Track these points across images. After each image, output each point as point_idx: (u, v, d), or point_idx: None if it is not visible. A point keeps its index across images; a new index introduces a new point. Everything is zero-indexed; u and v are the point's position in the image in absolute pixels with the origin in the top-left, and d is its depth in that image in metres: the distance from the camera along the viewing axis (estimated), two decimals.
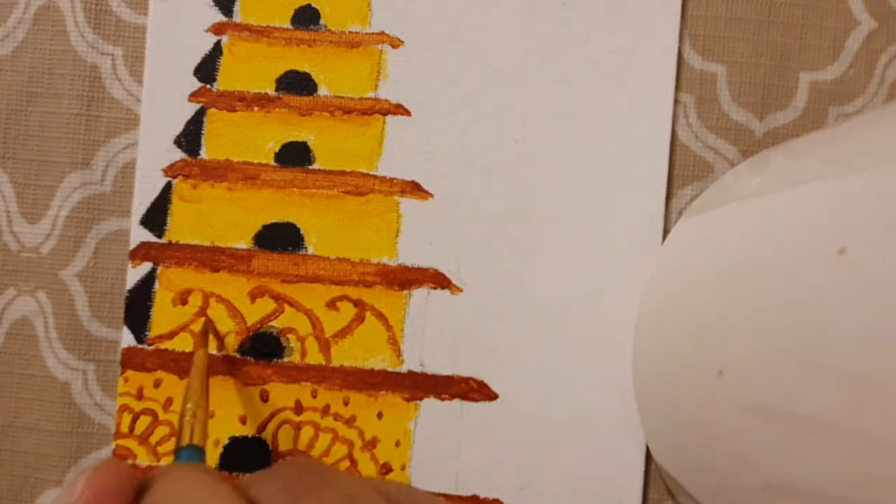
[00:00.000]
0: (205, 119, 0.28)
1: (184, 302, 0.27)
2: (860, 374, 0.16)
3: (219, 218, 0.27)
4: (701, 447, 0.22)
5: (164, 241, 0.27)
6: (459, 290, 0.27)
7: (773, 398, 0.18)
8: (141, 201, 0.28)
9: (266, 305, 0.27)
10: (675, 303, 0.24)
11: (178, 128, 0.28)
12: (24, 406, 0.28)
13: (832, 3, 0.28)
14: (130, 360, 0.27)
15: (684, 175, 0.28)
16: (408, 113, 0.28)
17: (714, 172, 0.28)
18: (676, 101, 0.28)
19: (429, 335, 0.27)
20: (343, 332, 0.27)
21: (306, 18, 0.28)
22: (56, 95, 0.28)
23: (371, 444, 0.27)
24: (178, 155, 0.28)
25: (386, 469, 0.27)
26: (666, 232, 0.27)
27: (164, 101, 0.28)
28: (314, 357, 0.27)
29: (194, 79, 0.28)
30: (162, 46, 0.28)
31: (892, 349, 0.16)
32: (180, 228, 0.27)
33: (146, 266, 0.27)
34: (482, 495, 0.27)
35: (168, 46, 0.28)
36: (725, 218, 0.23)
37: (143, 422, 0.27)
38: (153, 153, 0.28)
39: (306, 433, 0.27)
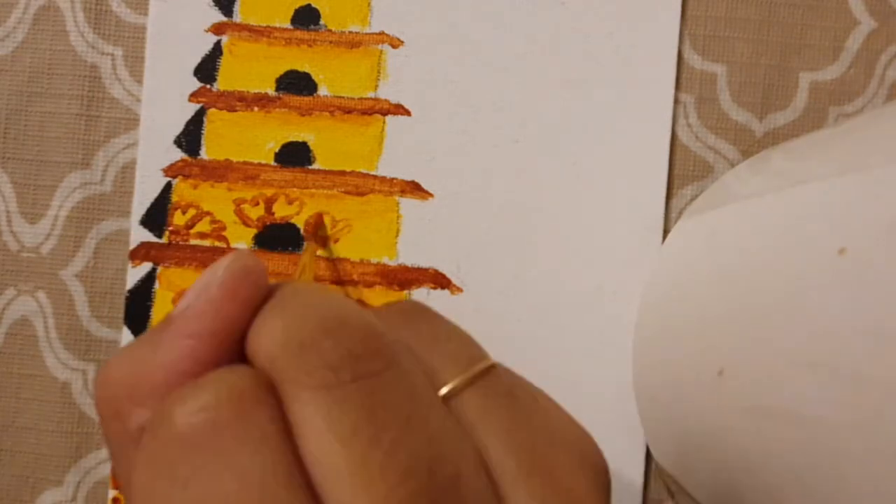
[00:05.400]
0: (205, 119, 0.28)
1: None
2: (860, 375, 0.16)
3: (219, 218, 0.27)
4: (701, 447, 0.22)
5: (164, 241, 0.27)
6: (459, 290, 0.27)
7: (773, 398, 0.19)
8: (141, 201, 0.28)
9: None
10: (676, 303, 0.24)
11: (178, 128, 0.28)
12: (24, 406, 0.28)
13: (832, 3, 0.28)
14: None
15: (684, 175, 0.28)
16: (408, 113, 0.28)
17: (714, 172, 0.28)
18: (676, 101, 0.28)
19: None
20: None
21: (306, 18, 0.28)
22: (56, 95, 0.28)
23: None
24: (178, 155, 0.28)
25: None
26: (666, 232, 0.27)
27: (164, 101, 0.28)
28: None
29: (194, 79, 0.28)
30: (162, 46, 0.28)
31: (893, 349, 0.16)
32: (181, 228, 0.27)
33: (146, 266, 0.27)
34: None
35: (168, 46, 0.28)
36: (725, 218, 0.23)
37: None
38: (153, 153, 0.28)
39: None
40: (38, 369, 0.28)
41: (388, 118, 0.28)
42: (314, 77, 0.28)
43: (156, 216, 0.27)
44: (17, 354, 0.28)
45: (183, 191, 0.28)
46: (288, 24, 0.28)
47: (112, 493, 0.27)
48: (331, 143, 0.28)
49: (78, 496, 0.27)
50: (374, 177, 0.28)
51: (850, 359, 0.17)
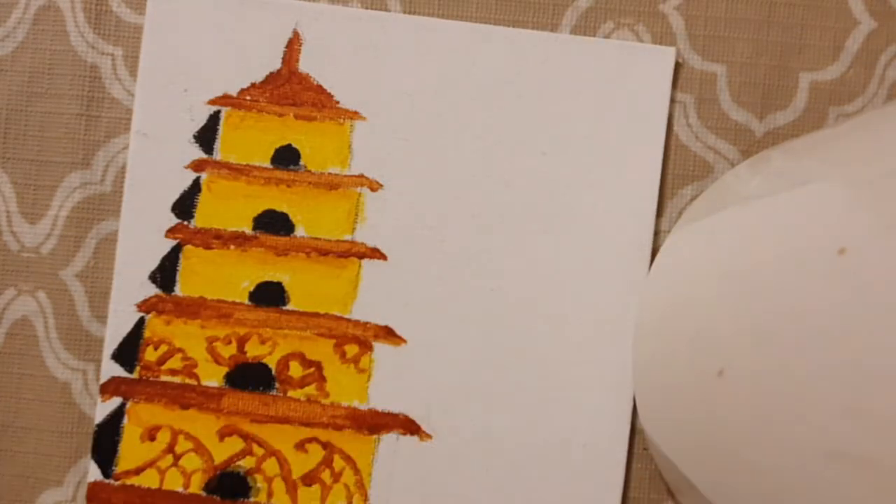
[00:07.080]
0: (181, 255, 0.27)
1: (152, 438, 0.27)
2: (860, 374, 0.16)
3: (191, 355, 0.27)
4: (701, 447, 0.22)
5: (134, 376, 0.27)
6: (429, 436, 0.27)
7: (773, 398, 0.19)
8: (113, 336, 0.27)
9: (234, 444, 0.27)
10: (675, 303, 0.24)
11: (154, 263, 0.27)
12: (24, 406, 0.28)
13: (832, 3, 0.28)
14: (96, 495, 0.27)
15: (684, 175, 0.28)
16: (384, 257, 0.27)
17: (714, 172, 0.28)
18: (677, 102, 0.28)
19: (397, 481, 0.27)
20: (311, 475, 0.27)
21: (286, 158, 0.28)
22: (56, 95, 0.28)
23: None
24: (153, 290, 0.27)
25: None
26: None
27: (141, 236, 0.27)
28: (280, 499, 0.27)
29: (172, 215, 0.28)
30: (141, 182, 0.27)
31: (893, 349, 0.16)
32: (152, 364, 0.27)
33: (116, 401, 0.27)
34: None
35: (147, 181, 0.28)
36: (725, 218, 0.23)
37: None
38: (128, 287, 0.27)
39: None
40: (38, 369, 0.28)
41: (364, 262, 0.27)
42: (292, 217, 0.28)
43: (128, 351, 0.27)
44: (17, 354, 0.28)
45: (156, 326, 0.27)
46: (268, 164, 0.28)
47: None
48: (306, 285, 0.27)
49: (78, 496, 0.27)
50: (348, 320, 0.27)
51: (850, 359, 0.17)
